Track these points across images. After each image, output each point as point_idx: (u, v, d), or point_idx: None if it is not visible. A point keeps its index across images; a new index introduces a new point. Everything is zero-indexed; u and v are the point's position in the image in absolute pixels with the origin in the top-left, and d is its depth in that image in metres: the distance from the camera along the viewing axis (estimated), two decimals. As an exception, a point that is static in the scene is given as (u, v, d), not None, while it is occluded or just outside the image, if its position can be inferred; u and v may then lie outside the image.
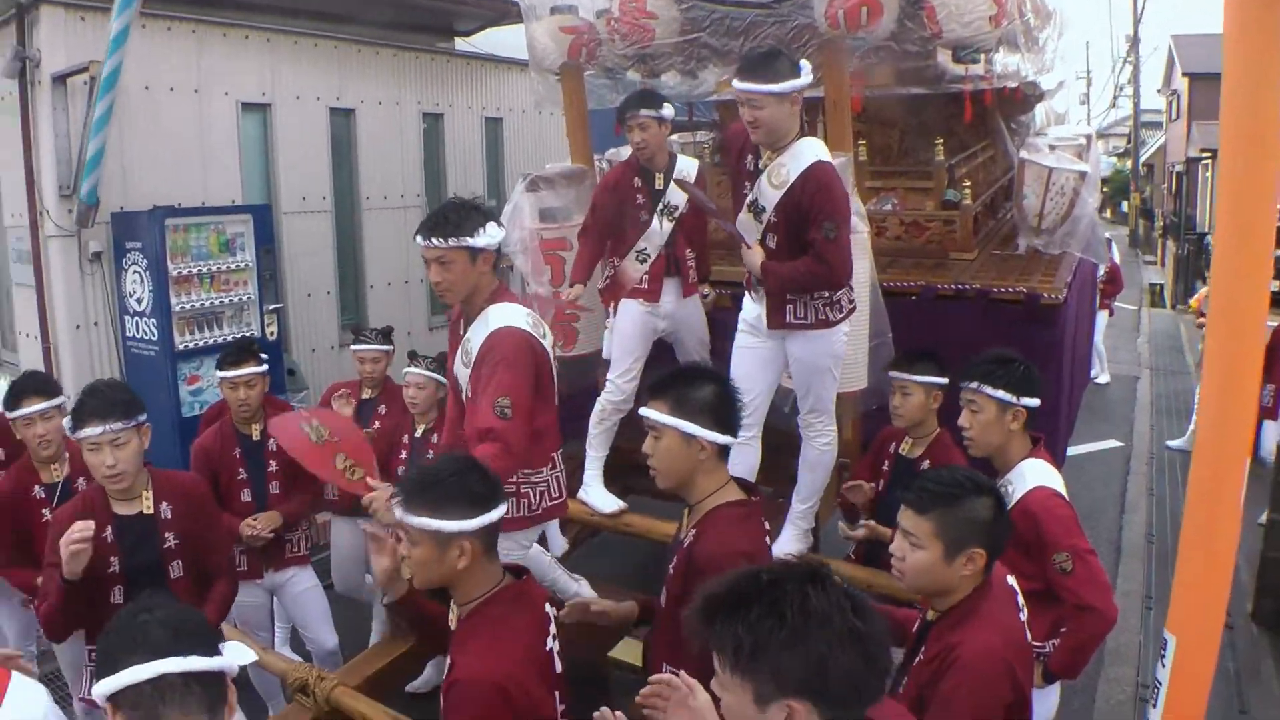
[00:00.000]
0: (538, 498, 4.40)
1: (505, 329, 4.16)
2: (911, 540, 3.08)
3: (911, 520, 3.08)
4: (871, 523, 4.85)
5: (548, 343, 4.33)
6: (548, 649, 3.22)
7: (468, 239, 4.11)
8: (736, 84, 4.72)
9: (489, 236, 4.16)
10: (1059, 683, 4.13)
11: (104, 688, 1.99)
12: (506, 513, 3.22)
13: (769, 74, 4.63)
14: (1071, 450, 8.41)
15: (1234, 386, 3.15)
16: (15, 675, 2.56)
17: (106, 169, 8.22)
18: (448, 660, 3.13)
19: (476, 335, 4.22)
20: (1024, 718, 3.04)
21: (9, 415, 4.98)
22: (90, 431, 3.94)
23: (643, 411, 3.41)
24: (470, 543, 3.02)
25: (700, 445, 3.33)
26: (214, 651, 2.07)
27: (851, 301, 5.05)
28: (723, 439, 3.37)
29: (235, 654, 2.14)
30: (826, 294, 4.92)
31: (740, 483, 3.50)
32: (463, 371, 4.31)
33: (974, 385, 4.23)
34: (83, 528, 3.79)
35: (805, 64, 4.74)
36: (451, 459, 3.32)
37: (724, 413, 3.39)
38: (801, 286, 4.90)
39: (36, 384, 5.09)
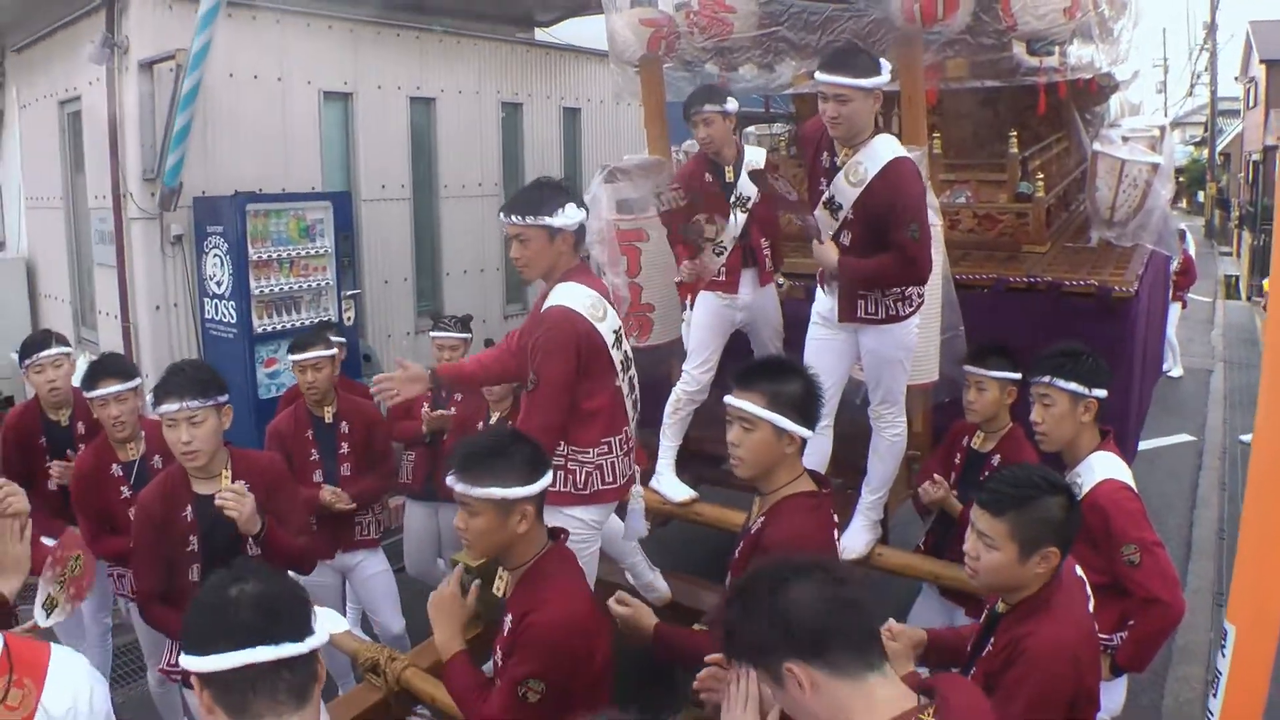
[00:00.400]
0: (584, 478, 4.41)
1: (554, 309, 4.27)
2: (986, 542, 3.07)
3: (986, 522, 3.08)
4: (951, 493, 4.94)
5: (606, 326, 4.36)
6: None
7: (546, 218, 4.21)
8: (821, 77, 4.72)
9: (568, 216, 4.26)
10: (1126, 676, 4.16)
11: (192, 666, 2.01)
12: (551, 485, 3.36)
13: (855, 68, 4.64)
14: (1142, 444, 8.31)
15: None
16: (55, 646, 2.51)
17: (190, 154, 8.41)
18: (508, 617, 3.28)
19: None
20: (1090, 709, 3.06)
21: (86, 395, 5.07)
22: (168, 408, 4.05)
23: (735, 402, 3.43)
24: (530, 507, 3.18)
25: (790, 439, 3.39)
26: (305, 630, 2.05)
27: (920, 296, 5.06)
28: (808, 433, 3.45)
29: (326, 623, 2.18)
30: (898, 289, 4.93)
31: (812, 474, 3.56)
32: None
33: (1046, 379, 4.26)
34: None
35: (885, 63, 4.76)
36: (498, 431, 3.56)
37: (810, 407, 3.45)
38: (884, 283, 4.90)
39: (113, 366, 5.17)
